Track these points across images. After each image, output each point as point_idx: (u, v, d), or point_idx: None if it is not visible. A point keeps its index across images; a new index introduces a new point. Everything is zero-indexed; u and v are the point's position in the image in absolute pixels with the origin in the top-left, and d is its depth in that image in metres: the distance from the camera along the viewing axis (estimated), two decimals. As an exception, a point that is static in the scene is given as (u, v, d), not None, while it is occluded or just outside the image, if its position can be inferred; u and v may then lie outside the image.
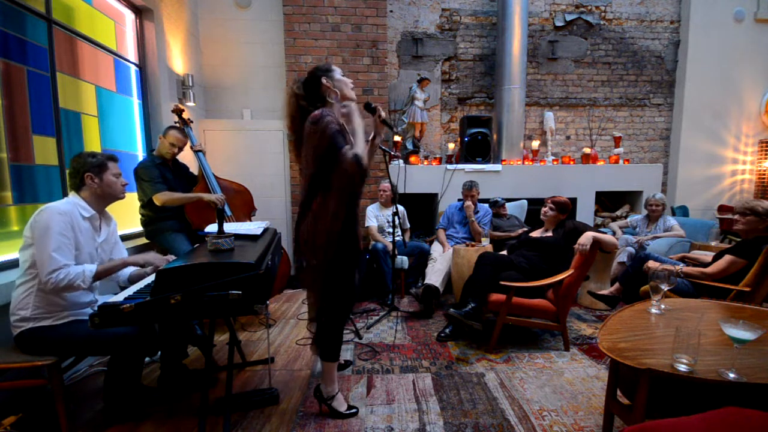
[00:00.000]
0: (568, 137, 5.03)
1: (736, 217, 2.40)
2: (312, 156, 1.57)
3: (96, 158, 1.73)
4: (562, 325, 2.45)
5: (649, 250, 3.29)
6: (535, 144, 4.64)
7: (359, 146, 1.58)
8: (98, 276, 1.66)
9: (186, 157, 2.97)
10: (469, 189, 3.50)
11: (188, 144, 2.80)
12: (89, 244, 1.70)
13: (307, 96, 1.68)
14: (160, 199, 2.51)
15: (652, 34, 4.94)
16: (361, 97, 4.03)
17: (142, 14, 3.18)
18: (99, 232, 1.78)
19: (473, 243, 3.31)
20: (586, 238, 2.41)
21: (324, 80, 1.66)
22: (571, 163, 4.65)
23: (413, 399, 1.93)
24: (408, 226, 3.89)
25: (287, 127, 1.76)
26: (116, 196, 1.80)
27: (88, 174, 1.70)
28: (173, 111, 2.94)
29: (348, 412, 1.79)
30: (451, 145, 4.62)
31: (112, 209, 1.88)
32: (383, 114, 1.77)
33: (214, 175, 2.90)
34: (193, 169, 3.01)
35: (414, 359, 2.36)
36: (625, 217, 4.47)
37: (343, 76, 1.71)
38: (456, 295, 3.14)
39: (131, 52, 3.14)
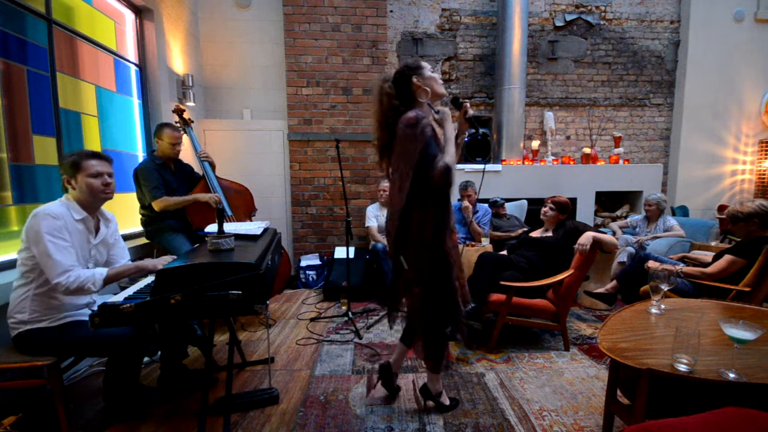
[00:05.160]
0: (568, 137, 5.03)
1: (730, 226, 2.44)
2: (407, 161, 1.52)
3: (71, 158, 1.64)
4: (562, 325, 2.45)
5: (649, 250, 3.29)
6: (535, 144, 4.64)
7: (449, 154, 1.53)
8: (109, 280, 1.63)
9: (190, 159, 2.97)
10: (465, 189, 3.50)
11: (188, 144, 2.79)
12: (83, 246, 1.66)
13: (399, 95, 1.61)
14: (158, 205, 2.51)
15: (652, 34, 4.94)
16: (361, 98, 4.03)
17: (142, 14, 3.18)
18: (95, 233, 1.74)
19: (473, 243, 3.31)
20: (586, 238, 2.41)
21: (415, 79, 1.60)
22: (571, 163, 4.65)
23: (413, 399, 1.93)
24: (408, 226, 3.88)
25: (376, 128, 1.67)
26: (98, 198, 1.68)
27: (64, 176, 1.64)
28: (174, 111, 2.93)
29: (452, 405, 1.84)
30: (451, 145, 4.62)
31: (111, 208, 1.86)
32: (471, 111, 1.70)
33: (216, 178, 2.89)
34: (198, 170, 2.99)
35: (414, 359, 2.36)
36: (625, 217, 4.47)
37: (432, 72, 1.65)
38: (456, 295, 3.13)
39: (131, 52, 3.14)
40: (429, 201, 1.55)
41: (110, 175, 1.71)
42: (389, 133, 1.62)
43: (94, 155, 1.68)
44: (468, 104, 1.69)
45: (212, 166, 2.89)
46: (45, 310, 1.59)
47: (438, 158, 1.50)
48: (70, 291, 1.53)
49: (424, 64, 1.64)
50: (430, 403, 1.85)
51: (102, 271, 1.62)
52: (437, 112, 1.65)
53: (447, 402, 1.83)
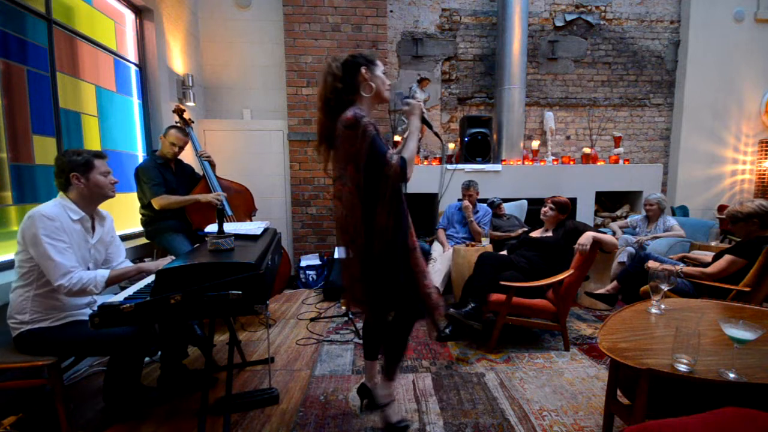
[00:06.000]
0: (568, 137, 5.03)
1: (730, 226, 2.44)
2: (353, 163, 1.41)
3: (81, 156, 1.63)
4: (562, 325, 2.45)
5: (649, 250, 3.29)
6: (535, 144, 4.64)
7: (408, 149, 1.46)
8: (111, 281, 1.64)
9: (188, 157, 2.97)
10: (467, 188, 3.50)
11: (189, 144, 2.80)
12: (82, 246, 1.65)
13: (344, 79, 1.49)
14: (158, 203, 2.52)
15: (652, 34, 4.94)
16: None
17: (142, 14, 3.18)
18: (92, 233, 1.73)
19: (473, 243, 3.31)
20: (586, 238, 2.41)
21: (364, 70, 1.50)
22: (571, 163, 4.65)
23: (413, 399, 1.93)
24: (408, 226, 3.89)
25: (318, 108, 1.55)
26: (105, 196, 1.72)
27: (74, 174, 1.62)
28: (174, 111, 2.94)
29: (399, 425, 1.65)
30: (451, 145, 4.62)
31: (111, 208, 1.86)
32: (425, 113, 1.62)
33: (216, 178, 2.89)
34: (199, 170, 3.00)
35: (414, 359, 2.36)
36: (625, 217, 4.47)
37: (384, 73, 1.57)
38: (456, 295, 3.14)
39: (131, 52, 3.14)
40: (382, 200, 1.44)
41: (112, 174, 1.76)
42: (330, 119, 1.50)
43: (99, 155, 1.71)
44: (422, 105, 1.62)
45: (212, 165, 2.90)
46: (46, 310, 1.59)
47: (390, 153, 1.41)
48: (72, 293, 1.54)
49: (380, 62, 1.56)
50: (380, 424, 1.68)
51: (104, 273, 1.62)
52: (406, 104, 1.57)
53: (395, 419, 1.64)
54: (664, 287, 1.67)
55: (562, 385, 2.05)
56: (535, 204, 4.02)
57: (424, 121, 1.62)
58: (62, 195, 1.66)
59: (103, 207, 1.84)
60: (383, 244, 1.44)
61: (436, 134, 1.74)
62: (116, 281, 1.68)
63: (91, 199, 1.69)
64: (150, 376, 2.18)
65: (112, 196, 1.75)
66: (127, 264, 1.90)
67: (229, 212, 2.85)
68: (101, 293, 1.65)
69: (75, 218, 1.63)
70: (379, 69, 1.55)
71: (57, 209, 1.58)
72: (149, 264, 1.83)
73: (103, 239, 1.80)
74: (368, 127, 1.39)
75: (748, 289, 2.14)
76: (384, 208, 1.43)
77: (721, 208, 4.87)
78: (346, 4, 3.93)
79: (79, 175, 1.63)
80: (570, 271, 2.44)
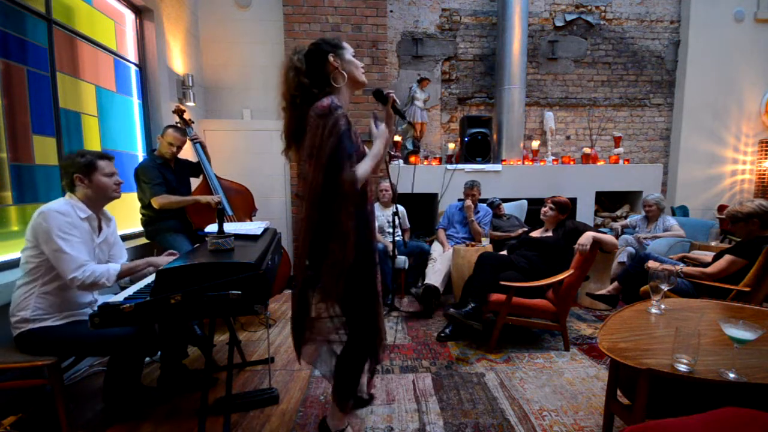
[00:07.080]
0: (568, 137, 5.03)
1: (730, 226, 2.44)
2: (318, 156, 1.27)
3: (84, 158, 1.67)
4: (562, 325, 2.45)
5: (649, 250, 3.29)
6: (535, 144, 4.64)
7: (363, 166, 1.33)
8: (121, 275, 1.69)
9: (186, 152, 2.96)
10: (471, 188, 3.50)
11: (188, 143, 2.80)
12: (87, 244, 1.68)
13: (310, 72, 1.36)
14: (157, 202, 2.52)
15: (652, 34, 4.94)
16: (361, 98, 4.03)
17: (142, 14, 3.18)
18: (98, 232, 1.77)
19: (473, 243, 3.31)
20: (586, 238, 2.41)
21: (332, 58, 1.36)
22: (571, 163, 4.65)
23: (413, 399, 1.93)
24: (408, 226, 3.89)
25: (282, 108, 1.41)
26: (109, 197, 1.76)
27: (77, 175, 1.66)
28: (174, 111, 2.94)
29: None
30: (451, 145, 4.62)
31: (112, 208, 1.87)
32: (398, 102, 1.52)
33: (215, 176, 2.89)
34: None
35: (414, 359, 2.36)
36: (625, 217, 4.47)
37: (354, 56, 1.43)
38: (456, 295, 3.14)
39: (131, 52, 3.13)
40: (343, 202, 1.29)
41: (118, 175, 1.80)
42: (298, 119, 1.36)
43: (103, 156, 1.74)
44: (393, 95, 1.50)
45: (203, 147, 2.90)
46: (48, 308, 1.60)
47: (348, 164, 1.28)
48: (85, 285, 1.57)
49: (346, 45, 1.42)
50: None
51: (116, 266, 1.68)
52: (377, 126, 1.46)
53: None
54: (664, 287, 1.67)
55: (562, 385, 2.05)
56: (535, 204, 4.02)
57: (397, 111, 1.53)
58: (70, 195, 1.70)
59: (106, 207, 1.85)
60: (346, 250, 1.30)
61: (406, 119, 1.89)
62: (127, 274, 1.74)
63: (96, 200, 1.73)
64: (150, 376, 2.18)
65: (117, 197, 1.79)
66: None
67: (230, 212, 2.85)
68: (111, 287, 1.69)
69: (83, 216, 1.67)
70: (348, 52, 1.41)
71: (66, 207, 1.62)
72: (158, 258, 1.89)
73: (107, 240, 1.83)
74: (340, 120, 1.27)
75: (748, 289, 2.14)
76: (345, 208, 1.29)
77: (721, 208, 4.87)
78: (346, 4, 3.92)
79: (82, 176, 1.67)
80: (570, 271, 2.44)
